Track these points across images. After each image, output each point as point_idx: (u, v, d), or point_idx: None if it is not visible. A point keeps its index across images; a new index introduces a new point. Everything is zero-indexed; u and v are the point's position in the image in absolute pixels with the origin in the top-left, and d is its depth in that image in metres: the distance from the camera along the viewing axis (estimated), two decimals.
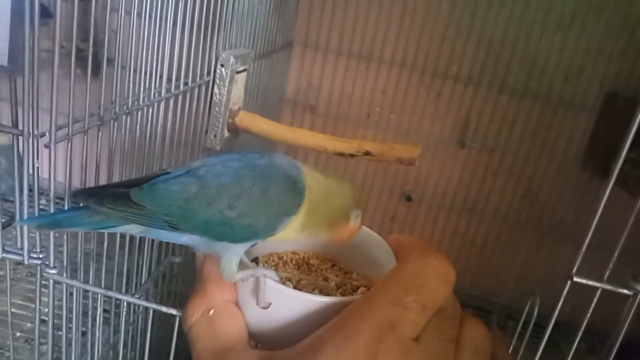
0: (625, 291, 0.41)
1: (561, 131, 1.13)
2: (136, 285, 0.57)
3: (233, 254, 0.36)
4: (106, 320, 0.63)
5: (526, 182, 1.18)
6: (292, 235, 0.38)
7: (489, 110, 1.13)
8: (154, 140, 0.59)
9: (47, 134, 0.38)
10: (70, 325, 0.51)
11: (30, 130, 0.37)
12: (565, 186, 1.17)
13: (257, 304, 0.36)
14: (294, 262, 0.44)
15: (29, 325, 0.94)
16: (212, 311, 0.36)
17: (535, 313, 0.43)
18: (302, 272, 0.43)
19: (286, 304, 0.36)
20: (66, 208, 0.42)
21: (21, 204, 0.39)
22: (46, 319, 0.53)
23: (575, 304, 0.51)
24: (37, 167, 0.38)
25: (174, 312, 0.41)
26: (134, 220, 0.36)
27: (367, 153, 0.69)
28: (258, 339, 0.38)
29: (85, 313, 0.56)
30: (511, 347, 0.54)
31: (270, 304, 0.36)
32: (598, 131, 1.11)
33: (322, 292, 0.41)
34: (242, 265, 0.37)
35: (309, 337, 0.33)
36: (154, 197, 0.35)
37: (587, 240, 0.39)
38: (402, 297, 0.32)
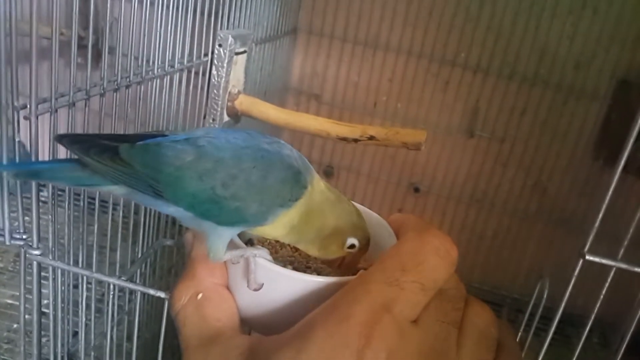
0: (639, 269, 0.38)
1: (572, 120, 1.10)
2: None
3: (221, 236, 0.33)
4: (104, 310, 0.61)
5: (536, 173, 1.15)
6: (278, 233, 0.36)
7: (498, 98, 1.10)
8: (148, 125, 0.57)
9: (27, 105, 0.36)
10: (62, 314, 0.49)
11: (9, 102, 0.35)
12: (577, 177, 1.14)
13: (247, 285, 0.34)
14: (291, 245, 0.42)
15: (27, 317, 0.93)
16: (200, 295, 0.34)
17: (545, 295, 0.40)
18: (300, 254, 0.41)
19: (279, 284, 0.33)
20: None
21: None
22: (46, 311, 0.51)
23: (587, 297, 0.48)
24: (19, 142, 0.36)
25: (162, 295, 0.39)
26: (117, 178, 0.33)
27: (371, 138, 0.67)
28: (250, 324, 0.36)
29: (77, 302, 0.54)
30: (518, 337, 0.51)
31: (262, 284, 0.34)
32: (610, 120, 1.08)
33: (320, 274, 0.39)
34: (233, 245, 0.35)
35: (301, 320, 0.31)
36: (144, 158, 0.33)
37: (599, 217, 0.37)
38: (398, 277, 0.30)
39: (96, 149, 0.33)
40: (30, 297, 0.45)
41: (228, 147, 0.33)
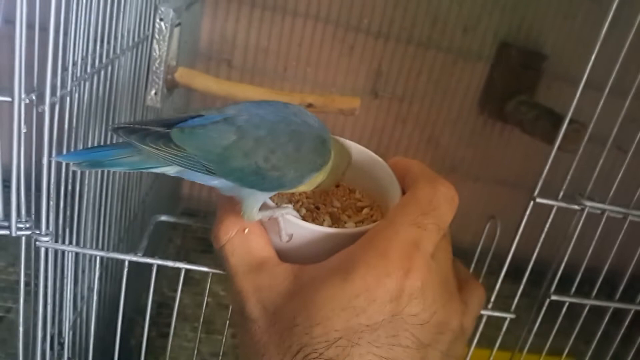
0: (575, 206, 0.48)
1: (460, 79, 1.23)
2: (110, 243, 0.55)
3: (257, 200, 0.38)
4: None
5: (430, 128, 1.28)
6: (309, 188, 0.41)
7: (397, 61, 1.20)
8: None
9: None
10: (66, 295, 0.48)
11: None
12: (464, 130, 1.28)
13: (280, 239, 0.39)
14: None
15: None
16: (247, 229, 0.38)
17: (497, 236, 0.48)
18: (311, 195, 0.46)
19: (306, 236, 0.39)
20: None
21: None
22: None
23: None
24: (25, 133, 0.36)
25: (180, 265, 0.42)
26: (173, 161, 0.36)
27: (309, 105, 0.72)
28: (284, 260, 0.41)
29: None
30: None
31: (292, 235, 0.39)
32: (492, 78, 1.23)
33: (332, 215, 0.44)
34: (264, 205, 0.39)
35: (337, 254, 0.36)
36: (195, 141, 0.36)
37: (547, 167, 0.45)
38: (421, 220, 0.36)
39: (151, 137, 0.35)
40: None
41: (263, 124, 0.37)
